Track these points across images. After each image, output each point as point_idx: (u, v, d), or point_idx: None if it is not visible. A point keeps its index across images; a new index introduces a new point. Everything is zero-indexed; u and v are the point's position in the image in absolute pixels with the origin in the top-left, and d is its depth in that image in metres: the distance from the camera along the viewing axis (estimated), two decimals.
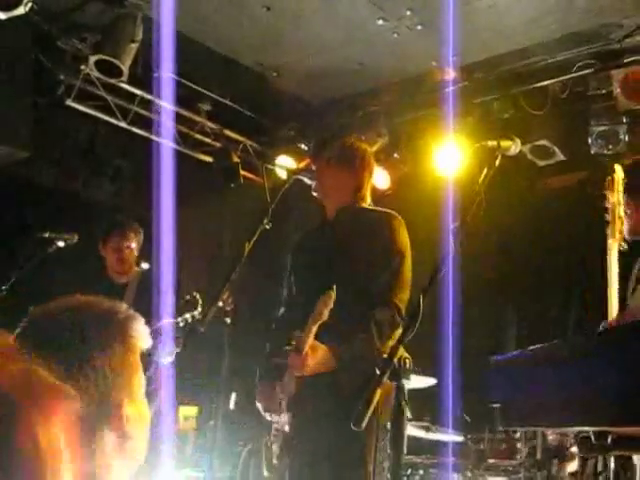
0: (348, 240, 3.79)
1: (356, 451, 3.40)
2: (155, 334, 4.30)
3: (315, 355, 3.50)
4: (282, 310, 4.08)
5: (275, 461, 3.64)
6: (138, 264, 5.36)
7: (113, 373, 1.57)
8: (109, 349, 1.58)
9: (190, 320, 4.56)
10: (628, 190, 3.49)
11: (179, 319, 4.53)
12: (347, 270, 3.68)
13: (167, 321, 4.48)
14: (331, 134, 4.15)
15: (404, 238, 3.78)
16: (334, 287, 3.39)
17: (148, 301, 4.64)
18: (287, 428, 3.67)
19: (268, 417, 3.76)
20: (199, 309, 4.59)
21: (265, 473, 3.67)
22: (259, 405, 3.80)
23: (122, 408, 1.57)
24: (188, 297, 4.65)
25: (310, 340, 3.48)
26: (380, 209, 3.91)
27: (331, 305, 3.40)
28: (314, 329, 3.47)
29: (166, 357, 5.31)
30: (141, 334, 1.66)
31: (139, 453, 1.64)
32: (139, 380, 1.65)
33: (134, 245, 5.29)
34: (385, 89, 7.06)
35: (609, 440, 1.84)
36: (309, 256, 3.95)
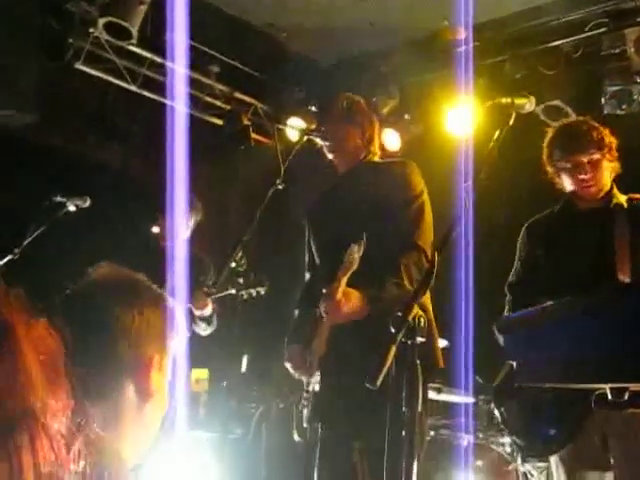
0: (365, 192, 3.79)
1: (371, 410, 3.41)
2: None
3: (349, 300, 3.45)
4: (307, 275, 4.07)
5: (305, 424, 3.65)
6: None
7: (153, 329, 1.61)
8: (155, 311, 1.64)
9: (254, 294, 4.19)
10: None
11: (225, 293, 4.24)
12: (368, 220, 3.66)
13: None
14: (340, 95, 4.14)
15: (420, 182, 3.80)
16: (364, 237, 3.38)
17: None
18: (317, 387, 3.67)
19: (297, 376, 3.76)
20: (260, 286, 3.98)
21: (295, 437, 3.67)
22: (288, 365, 3.80)
23: (151, 366, 1.60)
24: (234, 264, 3.82)
25: (342, 288, 3.44)
26: (393, 159, 3.97)
27: (361, 253, 3.38)
28: (345, 279, 3.44)
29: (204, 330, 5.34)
30: (177, 320, 1.70)
31: (154, 422, 1.64)
32: (169, 357, 1.68)
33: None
34: (396, 49, 6.99)
35: (626, 396, 1.84)
36: (328, 215, 3.94)
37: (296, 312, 4.01)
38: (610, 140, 3.59)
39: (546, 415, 3.27)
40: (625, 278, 3.35)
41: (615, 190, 3.63)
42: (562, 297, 3.26)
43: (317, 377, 3.66)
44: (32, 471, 1.23)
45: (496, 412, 3.54)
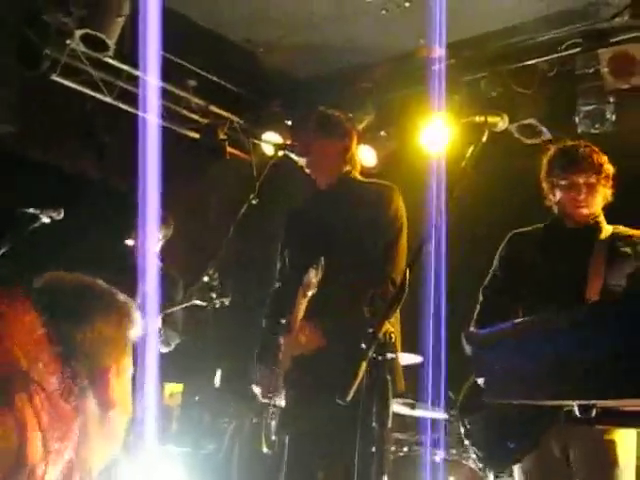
0: (344, 212, 3.81)
1: (344, 428, 3.41)
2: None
3: (305, 335, 3.53)
4: (277, 285, 4.07)
5: (274, 437, 3.65)
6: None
7: (107, 339, 1.60)
8: (108, 319, 1.61)
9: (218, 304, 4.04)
10: None
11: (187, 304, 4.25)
12: (342, 243, 3.68)
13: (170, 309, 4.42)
14: (315, 110, 4.16)
15: (401, 210, 3.82)
16: (322, 258, 3.39)
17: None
18: (283, 403, 3.68)
19: (265, 401, 3.77)
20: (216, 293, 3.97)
21: (264, 449, 3.68)
22: (257, 390, 3.81)
23: (109, 375, 1.59)
24: (207, 279, 3.91)
25: (300, 315, 3.49)
26: (377, 181, 3.96)
27: (319, 276, 3.40)
28: (304, 302, 3.48)
29: (164, 346, 5.29)
30: (137, 322, 1.68)
31: (119, 431, 1.64)
32: (128, 362, 1.67)
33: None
34: (373, 66, 7.04)
35: (593, 413, 1.85)
36: (304, 229, 3.95)
37: (264, 322, 4.01)
38: (608, 167, 3.65)
39: (509, 430, 3.30)
40: (595, 296, 3.41)
41: (602, 217, 3.70)
42: (535, 309, 3.32)
43: (283, 392, 3.67)
44: (35, 423, 1.32)
45: (460, 426, 3.57)
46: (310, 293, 3.45)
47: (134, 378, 1.72)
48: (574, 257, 3.60)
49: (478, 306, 3.81)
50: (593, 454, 3.33)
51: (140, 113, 7.02)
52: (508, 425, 3.26)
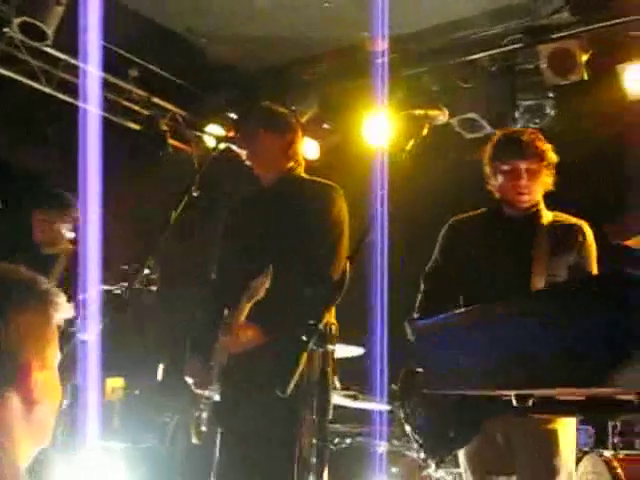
0: (285, 211, 3.78)
1: (285, 420, 3.42)
2: (78, 308, 4.17)
3: (245, 335, 3.53)
4: (213, 276, 4.04)
5: (204, 428, 3.64)
6: (74, 239, 5.22)
7: (26, 333, 1.55)
8: (25, 312, 1.57)
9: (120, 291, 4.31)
10: None
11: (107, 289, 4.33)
12: (283, 242, 3.67)
13: (93, 293, 4.36)
14: (259, 103, 4.13)
15: (343, 211, 3.79)
16: (271, 267, 3.39)
17: (77, 276, 4.52)
18: (217, 398, 3.66)
19: (198, 391, 3.75)
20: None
21: (194, 440, 3.67)
22: (189, 380, 3.78)
23: (31, 371, 1.55)
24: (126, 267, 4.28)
25: (242, 319, 3.49)
26: (320, 180, 3.91)
27: (267, 285, 3.41)
28: (247, 307, 3.48)
29: (88, 333, 5.20)
30: (60, 307, 1.64)
31: (46, 425, 1.61)
32: (53, 351, 1.63)
33: (63, 220, 5.12)
34: (316, 59, 7.04)
35: (530, 403, 1.88)
36: (245, 223, 3.93)
37: (199, 314, 3.99)
38: (551, 155, 3.66)
39: (449, 418, 3.32)
40: (540, 286, 3.45)
41: (542, 204, 3.70)
42: (476, 298, 3.32)
43: (216, 385, 3.65)
44: None
45: (400, 411, 3.58)
46: (256, 299, 3.45)
47: (67, 369, 1.70)
48: (516, 246, 3.61)
49: (419, 294, 3.82)
50: (535, 443, 3.37)
51: (80, 104, 6.93)
52: (448, 413, 3.28)
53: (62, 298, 1.65)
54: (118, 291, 3.86)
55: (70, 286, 3.77)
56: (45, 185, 5.38)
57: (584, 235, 3.64)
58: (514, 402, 1.91)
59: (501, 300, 2.13)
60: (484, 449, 3.45)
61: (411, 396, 3.48)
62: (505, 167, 3.62)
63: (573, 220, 3.70)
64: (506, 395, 2.00)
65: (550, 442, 3.35)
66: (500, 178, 3.65)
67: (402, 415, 3.57)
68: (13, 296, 1.57)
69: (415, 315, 3.73)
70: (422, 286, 3.84)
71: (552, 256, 3.54)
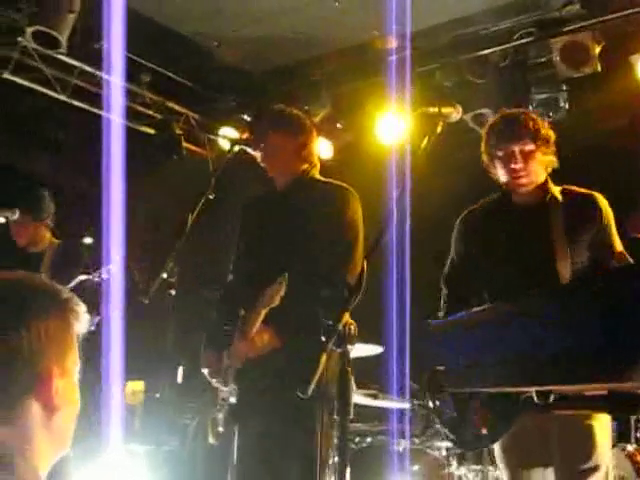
0: (300, 214, 3.76)
1: (302, 420, 3.42)
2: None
3: (261, 339, 3.53)
4: (230, 277, 4.05)
5: (221, 429, 3.65)
6: (55, 234, 5.24)
7: (47, 340, 1.56)
8: (46, 317, 1.57)
9: (105, 276, 4.42)
10: None
11: (94, 275, 4.39)
12: (298, 245, 3.66)
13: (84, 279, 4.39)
14: (271, 104, 4.14)
15: (357, 214, 3.76)
16: (286, 275, 3.38)
17: (64, 272, 4.55)
18: (233, 399, 3.67)
19: (214, 382, 3.75)
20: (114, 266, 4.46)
21: (210, 440, 3.68)
22: (204, 371, 3.79)
23: (52, 378, 1.55)
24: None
25: (258, 324, 3.50)
26: (334, 182, 3.88)
27: (282, 293, 3.40)
28: (263, 314, 3.48)
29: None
30: (80, 316, 1.65)
31: (66, 431, 1.62)
32: (73, 358, 1.64)
33: (38, 221, 5.12)
34: (327, 58, 7.03)
35: (551, 399, 1.87)
36: (259, 226, 3.92)
37: (215, 314, 4.00)
38: (547, 133, 3.51)
39: (480, 412, 3.26)
40: (565, 273, 3.33)
41: (550, 184, 3.56)
42: (500, 294, 3.24)
43: (233, 387, 3.66)
44: None
45: (430, 403, 3.50)
46: (270, 306, 3.46)
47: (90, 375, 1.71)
48: (533, 233, 3.49)
49: (441, 298, 3.73)
50: (573, 438, 3.27)
51: (95, 110, 6.98)
52: (478, 407, 3.22)
53: (82, 307, 1.66)
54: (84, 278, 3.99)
55: (60, 279, 3.80)
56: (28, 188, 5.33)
57: (598, 205, 3.48)
58: (535, 398, 1.91)
59: (528, 290, 2.11)
60: (519, 442, 3.36)
61: (437, 394, 3.44)
62: (499, 153, 3.50)
63: (585, 192, 3.55)
64: (526, 392, 2.00)
65: (588, 438, 3.25)
66: (498, 165, 3.54)
67: (430, 405, 3.50)
68: (34, 304, 1.57)
69: (438, 316, 3.62)
70: (443, 290, 3.75)
71: (571, 235, 3.41)
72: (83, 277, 4.35)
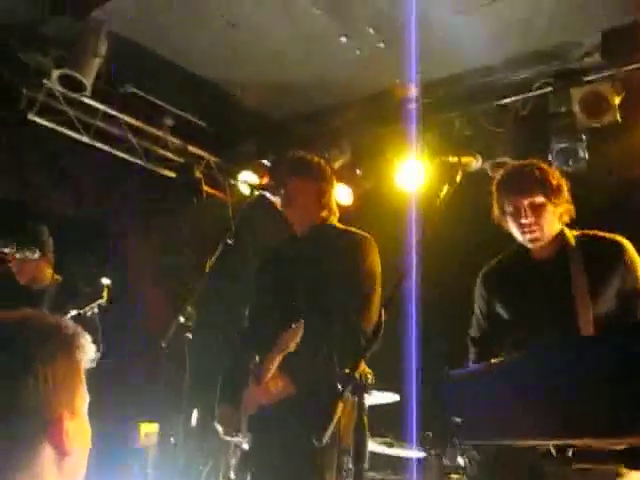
0: (318, 262, 3.76)
1: (317, 468, 3.39)
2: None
3: (276, 385, 3.51)
4: (247, 325, 4.04)
5: (233, 475, 3.63)
6: (56, 271, 5.25)
7: (55, 385, 1.55)
8: (52, 360, 1.57)
9: (95, 309, 4.45)
10: None
11: (86, 309, 4.42)
12: (315, 292, 3.66)
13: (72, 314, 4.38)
14: (291, 150, 4.15)
15: (376, 262, 3.75)
16: (302, 321, 3.37)
17: (63, 309, 4.54)
18: (246, 446, 3.65)
19: (227, 438, 3.74)
20: (104, 297, 4.45)
21: None
22: (218, 428, 3.77)
23: (62, 422, 1.55)
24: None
25: (273, 370, 3.48)
26: (353, 230, 3.88)
27: (298, 339, 3.39)
28: (278, 359, 3.47)
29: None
30: (87, 350, 1.65)
31: (78, 473, 1.62)
32: (82, 396, 1.64)
33: (30, 253, 5.10)
34: (348, 105, 7.08)
35: (570, 453, 1.85)
36: (277, 273, 3.93)
37: (229, 362, 3.98)
38: (558, 182, 3.38)
39: (505, 472, 3.13)
40: (587, 329, 3.16)
41: (567, 233, 3.41)
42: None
43: (246, 434, 3.64)
44: None
45: (460, 460, 3.36)
46: (286, 352, 3.45)
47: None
48: (554, 289, 3.33)
49: (471, 357, 3.62)
50: None
51: (117, 152, 7.06)
52: (504, 467, 3.11)
53: (86, 338, 1.65)
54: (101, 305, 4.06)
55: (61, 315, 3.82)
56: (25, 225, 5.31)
57: (623, 250, 3.28)
58: (553, 452, 1.88)
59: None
60: None
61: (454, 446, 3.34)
62: (509, 208, 3.39)
63: (609, 237, 3.36)
64: (544, 445, 1.97)
65: None
66: (509, 219, 3.42)
67: (464, 463, 3.39)
68: (41, 348, 1.56)
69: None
70: (472, 349, 3.63)
71: (595, 286, 3.21)
72: (74, 312, 4.36)
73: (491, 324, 3.58)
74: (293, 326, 3.41)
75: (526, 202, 3.33)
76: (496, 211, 3.49)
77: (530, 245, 3.43)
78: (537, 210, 3.32)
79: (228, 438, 3.72)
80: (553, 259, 3.41)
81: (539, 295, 3.37)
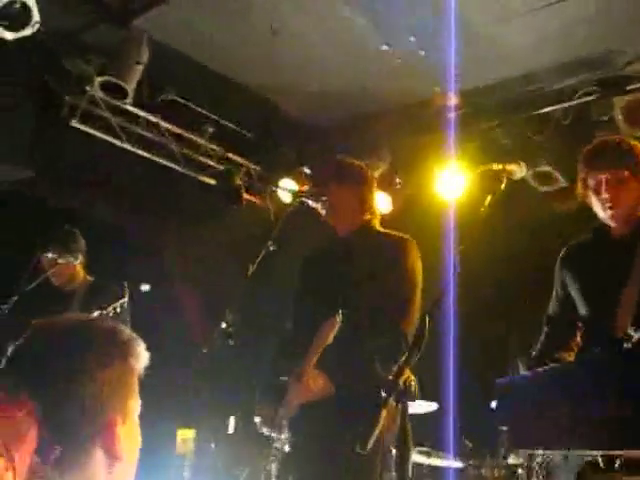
0: (360, 263, 3.77)
1: (361, 474, 3.38)
2: None
3: (316, 384, 3.51)
4: (289, 328, 4.05)
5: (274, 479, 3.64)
6: (88, 272, 5.27)
7: (110, 390, 1.57)
8: (109, 366, 1.59)
9: (119, 310, 4.42)
10: None
11: (109, 309, 4.42)
12: (357, 294, 3.66)
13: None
14: (331, 157, 4.17)
15: (417, 265, 3.76)
16: (340, 312, 3.39)
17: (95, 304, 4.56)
18: (287, 448, 3.65)
19: (266, 431, 3.74)
20: (126, 298, 4.47)
21: None
22: (257, 419, 3.78)
23: (115, 427, 1.57)
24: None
25: (311, 368, 3.49)
26: (395, 233, 3.90)
27: (335, 330, 3.40)
28: (318, 353, 3.48)
29: None
30: (142, 356, 1.66)
31: (128, 477, 1.63)
32: (134, 402, 1.65)
33: (73, 259, 5.13)
34: (388, 113, 7.07)
35: (617, 464, 1.82)
36: (320, 276, 3.94)
37: (271, 364, 3.99)
38: None
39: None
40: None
41: None
42: (596, 336, 3.09)
43: (287, 436, 3.64)
44: None
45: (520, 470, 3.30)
46: (325, 344, 3.46)
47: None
48: (621, 272, 3.19)
49: (542, 334, 3.56)
50: None
51: (158, 159, 7.12)
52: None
53: (142, 346, 1.67)
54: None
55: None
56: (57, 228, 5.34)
57: None
58: (600, 463, 1.86)
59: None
60: None
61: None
62: (591, 182, 3.29)
63: None
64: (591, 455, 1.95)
65: None
66: (591, 194, 3.31)
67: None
68: (96, 352, 1.59)
69: (534, 352, 3.48)
70: (544, 327, 3.56)
71: None
72: (96, 313, 4.38)
73: (563, 303, 3.52)
74: (334, 317, 3.41)
75: (609, 176, 3.23)
76: (579, 187, 3.39)
77: (610, 222, 3.33)
78: (617, 184, 3.23)
79: (266, 431, 3.72)
80: (628, 238, 3.29)
81: (608, 274, 3.28)
